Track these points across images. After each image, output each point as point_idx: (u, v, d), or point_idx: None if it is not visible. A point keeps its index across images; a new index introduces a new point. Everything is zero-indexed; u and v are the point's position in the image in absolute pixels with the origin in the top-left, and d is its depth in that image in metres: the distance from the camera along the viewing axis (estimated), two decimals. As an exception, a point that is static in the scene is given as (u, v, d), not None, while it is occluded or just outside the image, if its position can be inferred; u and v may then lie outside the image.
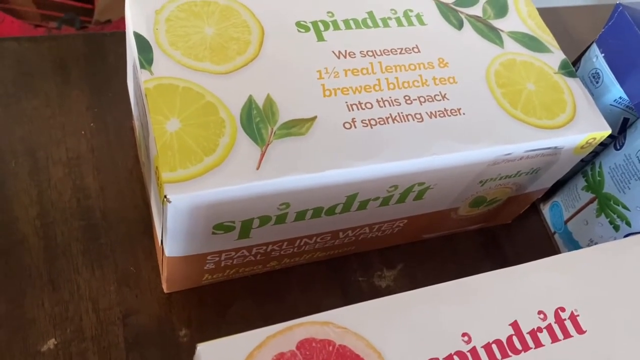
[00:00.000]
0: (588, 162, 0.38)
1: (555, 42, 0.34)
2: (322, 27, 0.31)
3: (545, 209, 0.42)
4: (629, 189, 0.34)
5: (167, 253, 0.29)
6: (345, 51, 0.30)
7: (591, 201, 0.37)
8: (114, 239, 0.35)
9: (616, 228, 0.36)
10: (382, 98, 0.29)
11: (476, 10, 0.34)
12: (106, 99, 0.40)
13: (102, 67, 0.42)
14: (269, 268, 0.35)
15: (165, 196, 0.24)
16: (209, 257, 0.30)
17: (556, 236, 0.41)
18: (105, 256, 0.35)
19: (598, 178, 0.36)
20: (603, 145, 0.37)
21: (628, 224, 0.35)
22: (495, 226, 0.41)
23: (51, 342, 0.31)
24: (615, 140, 0.36)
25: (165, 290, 0.34)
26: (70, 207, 0.36)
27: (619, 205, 0.35)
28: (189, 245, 0.29)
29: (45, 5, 0.85)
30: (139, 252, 0.35)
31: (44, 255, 0.34)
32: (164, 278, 0.33)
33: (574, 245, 0.39)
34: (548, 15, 0.44)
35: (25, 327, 0.32)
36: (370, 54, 0.31)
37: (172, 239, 0.28)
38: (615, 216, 0.35)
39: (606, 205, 0.36)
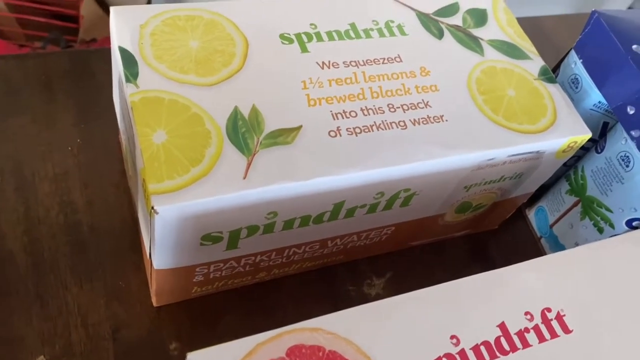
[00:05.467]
0: (571, 167, 0.39)
1: (534, 49, 0.35)
2: (305, 39, 0.31)
3: (531, 214, 0.43)
4: (611, 191, 0.35)
5: (155, 266, 0.29)
6: (329, 62, 0.31)
7: (575, 204, 0.38)
8: (102, 254, 0.35)
9: (600, 230, 0.36)
10: (366, 107, 0.30)
11: (456, 20, 0.35)
12: (92, 115, 0.40)
13: (87, 83, 0.42)
14: (258, 279, 0.35)
15: (152, 207, 0.24)
16: (197, 269, 0.30)
17: (542, 241, 0.41)
18: (93, 271, 0.34)
19: (581, 181, 0.37)
20: (585, 149, 0.37)
21: (611, 225, 0.35)
22: (482, 232, 0.42)
23: (40, 359, 0.31)
24: (597, 144, 0.36)
25: (154, 304, 0.34)
26: (58, 222, 0.36)
27: (602, 208, 0.35)
28: (178, 257, 0.29)
29: (30, 25, 0.85)
30: (127, 267, 0.35)
31: (32, 272, 0.34)
32: (153, 291, 0.33)
33: (560, 249, 0.40)
34: (529, 24, 0.45)
35: (13, 344, 0.31)
36: (353, 64, 0.31)
37: (160, 251, 0.28)
38: (598, 218, 0.36)
39: (590, 208, 0.36)
